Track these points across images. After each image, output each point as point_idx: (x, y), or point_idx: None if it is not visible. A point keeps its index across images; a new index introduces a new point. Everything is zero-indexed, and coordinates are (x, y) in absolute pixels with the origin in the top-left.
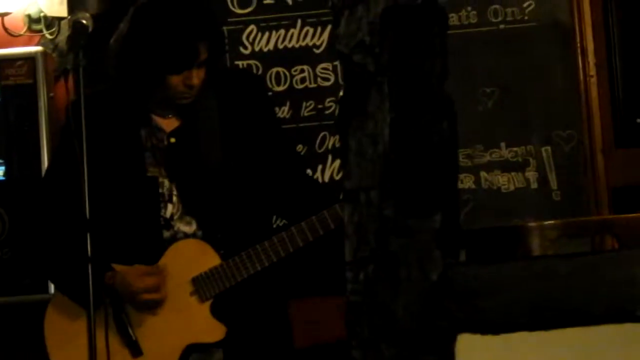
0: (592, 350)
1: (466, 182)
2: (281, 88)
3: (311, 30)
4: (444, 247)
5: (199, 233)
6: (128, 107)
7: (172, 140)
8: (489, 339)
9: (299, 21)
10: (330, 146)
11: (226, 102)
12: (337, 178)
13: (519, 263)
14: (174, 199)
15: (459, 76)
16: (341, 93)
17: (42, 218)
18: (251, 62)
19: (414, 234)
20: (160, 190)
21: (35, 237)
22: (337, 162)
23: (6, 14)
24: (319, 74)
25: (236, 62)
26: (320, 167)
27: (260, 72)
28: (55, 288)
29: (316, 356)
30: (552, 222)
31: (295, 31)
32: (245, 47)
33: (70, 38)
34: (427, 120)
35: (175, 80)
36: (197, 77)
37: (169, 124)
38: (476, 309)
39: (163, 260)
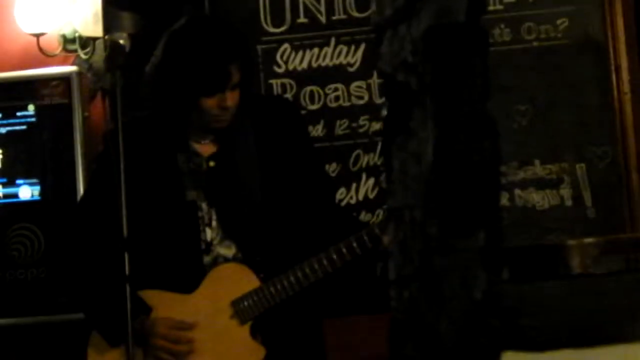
0: None
1: (500, 199)
2: (315, 107)
3: (345, 49)
4: (488, 265)
5: (239, 256)
6: (165, 133)
7: (212, 164)
8: (534, 357)
9: (333, 39)
10: (364, 165)
11: (262, 127)
12: (372, 197)
13: (563, 281)
14: (214, 223)
15: (493, 93)
16: (384, 112)
17: (77, 247)
18: (285, 80)
19: (457, 253)
20: (200, 214)
21: (69, 265)
22: (372, 181)
23: (41, 34)
24: (352, 92)
25: (270, 81)
26: (354, 185)
27: (294, 90)
28: (85, 319)
29: None
30: (592, 239)
31: (329, 49)
32: (279, 66)
33: (107, 58)
34: (469, 139)
35: (210, 103)
36: (231, 99)
37: (206, 149)
38: (520, 326)
39: (203, 285)
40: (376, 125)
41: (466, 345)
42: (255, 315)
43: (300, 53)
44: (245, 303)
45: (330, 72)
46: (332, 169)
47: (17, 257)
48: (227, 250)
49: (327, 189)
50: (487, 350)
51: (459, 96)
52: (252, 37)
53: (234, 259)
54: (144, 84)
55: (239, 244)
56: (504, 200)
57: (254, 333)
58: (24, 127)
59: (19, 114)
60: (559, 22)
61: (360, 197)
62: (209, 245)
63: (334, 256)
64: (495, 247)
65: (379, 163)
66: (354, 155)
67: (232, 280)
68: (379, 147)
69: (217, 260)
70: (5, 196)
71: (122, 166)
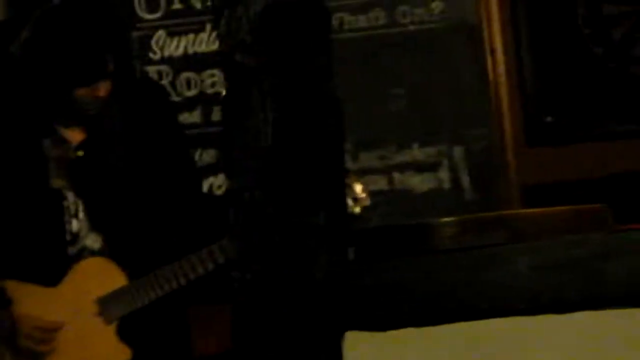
0: (479, 344)
1: (379, 183)
2: (192, 93)
3: None
4: (329, 246)
5: (106, 250)
6: (29, 115)
7: (80, 153)
8: (376, 336)
9: (208, 26)
10: None
11: (131, 113)
12: None
13: (406, 260)
14: (80, 214)
15: (369, 77)
16: (223, 93)
17: None
18: (161, 67)
19: (297, 233)
20: (65, 204)
21: None
22: None
23: None
24: None
25: (145, 68)
26: None
27: (170, 77)
28: None
29: None
30: (449, 219)
31: (205, 35)
32: (155, 53)
33: None
34: (310, 118)
35: (82, 92)
36: (104, 89)
37: (74, 135)
38: (362, 306)
39: (67, 280)
40: None
41: (308, 326)
42: (122, 315)
43: (176, 39)
44: (112, 302)
45: (206, 58)
46: (209, 155)
47: None
48: (94, 242)
49: (195, 178)
50: (330, 330)
51: (298, 75)
52: (126, 24)
53: (100, 251)
54: (9, 64)
55: (106, 236)
56: (383, 184)
57: (120, 333)
58: None
59: None
60: (433, 5)
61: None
62: (75, 236)
63: (206, 259)
64: (338, 227)
65: None
66: None
67: (97, 276)
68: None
69: (83, 253)
70: None
71: None
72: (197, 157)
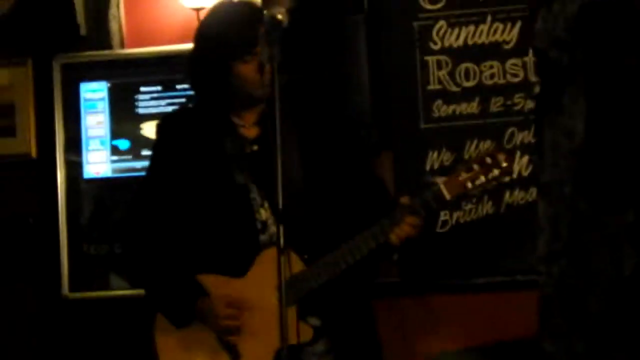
0: None
1: None
2: (470, 84)
3: (501, 26)
4: (637, 242)
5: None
6: (213, 118)
7: (255, 147)
8: None
9: (489, 17)
10: (518, 142)
11: (305, 113)
12: (525, 174)
13: None
14: (265, 204)
15: None
16: (537, 89)
17: (141, 234)
18: (441, 57)
19: (607, 229)
20: (252, 196)
21: (134, 252)
22: (525, 158)
23: (201, 8)
24: (508, 69)
25: (426, 58)
26: None
27: (449, 67)
28: (152, 304)
29: None
30: None
31: (485, 27)
32: (435, 43)
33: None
34: (623, 117)
35: (239, 70)
36: (252, 66)
37: (249, 132)
38: None
39: (252, 269)
40: (531, 103)
41: (615, 323)
42: (300, 297)
43: (457, 30)
44: (289, 287)
45: (485, 49)
46: (485, 145)
47: None
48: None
49: (364, 161)
50: (637, 328)
51: (612, 73)
52: (408, 14)
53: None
54: None
55: (285, 226)
56: None
57: (302, 314)
58: (183, 99)
59: (178, 87)
60: None
61: (514, 175)
62: (265, 224)
63: (378, 233)
64: None
65: (533, 141)
66: (508, 132)
67: (276, 264)
68: (533, 125)
69: (273, 239)
70: None
71: (279, 139)
72: (473, 148)
